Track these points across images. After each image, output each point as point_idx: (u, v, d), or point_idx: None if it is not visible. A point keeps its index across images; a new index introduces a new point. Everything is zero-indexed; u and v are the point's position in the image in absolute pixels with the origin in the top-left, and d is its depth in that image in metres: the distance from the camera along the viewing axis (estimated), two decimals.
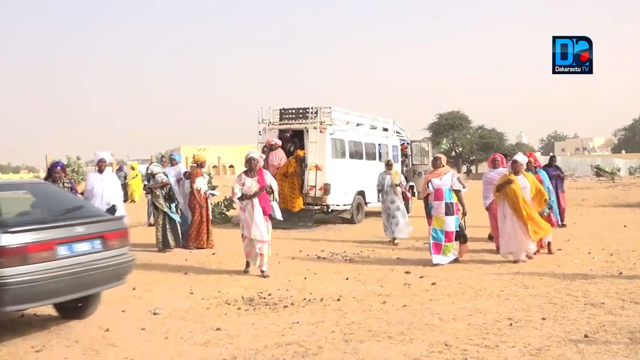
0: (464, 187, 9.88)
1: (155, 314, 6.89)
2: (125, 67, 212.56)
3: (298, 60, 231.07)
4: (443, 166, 10.00)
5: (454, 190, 9.74)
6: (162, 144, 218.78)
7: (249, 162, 9.26)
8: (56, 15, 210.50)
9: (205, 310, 7.02)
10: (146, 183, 12.28)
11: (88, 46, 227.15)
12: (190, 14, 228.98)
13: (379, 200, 16.44)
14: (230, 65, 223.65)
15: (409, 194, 12.45)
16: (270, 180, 9.34)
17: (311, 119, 15.82)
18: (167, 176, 12.09)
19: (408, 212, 20.21)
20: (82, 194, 10.16)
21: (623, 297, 7.13)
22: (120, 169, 29.44)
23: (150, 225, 17.77)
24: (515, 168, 9.80)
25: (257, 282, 8.45)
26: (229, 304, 7.30)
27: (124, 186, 27.52)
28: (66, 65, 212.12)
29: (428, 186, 9.85)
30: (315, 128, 15.53)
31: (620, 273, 8.64)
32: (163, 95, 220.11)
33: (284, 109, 16.62)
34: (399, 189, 12.61)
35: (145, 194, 13.10)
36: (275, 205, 9.35)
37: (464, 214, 9.89)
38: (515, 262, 9.55)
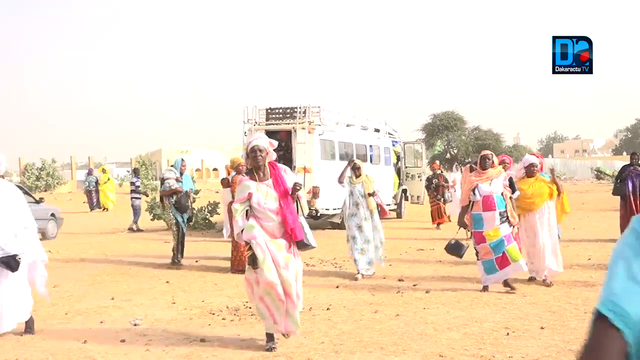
0: (514, 192, 8.14)
1: (135, 324, 6.65)
2: (103, 66, 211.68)
3: (286, 57, 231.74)
4: (493, 167, 8.00)
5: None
6: (142, 145, 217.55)
7: (253, 154, 5.60)
8: (26, 12, 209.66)
9: (188, 321, 6.80)
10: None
11: (64, 42, 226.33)
12: (171, 11, 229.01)
13: (341, 217, 11.89)
14: (214, 63, 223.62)
15: (386, 208, 9.45)
16: (293, 179, 5.80)
17: (299, 118, 15.52)
18: (180, 183, 10.98)
19: (401, 217, 20.18)
20: None
21: None
22: (90, 173, 26.65)
23: (132, 230, 17.48)
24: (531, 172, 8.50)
25: (242, 291, 8.17)
26: (213, 314, 7.08)
27: (95, 192, 26.11)
28: (39, 61, 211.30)
29: (474, 193, 7.86)
30: (303, 128, 15.23)
31: None
32: (143, 94, 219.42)
33: (270, 108, 16.29)
34: (372, 201, 9.26)
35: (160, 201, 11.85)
36: (304, 224, 5.82)
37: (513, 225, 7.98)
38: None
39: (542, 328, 6.10)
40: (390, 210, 19.27)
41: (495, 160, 8.04)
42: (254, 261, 5.48)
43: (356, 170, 9.33)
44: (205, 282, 9.07)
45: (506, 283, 7.92)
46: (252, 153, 5.62)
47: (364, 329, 6.26)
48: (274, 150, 5.79)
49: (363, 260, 9.09)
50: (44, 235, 16.67)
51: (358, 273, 9.09)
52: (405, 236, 14.56)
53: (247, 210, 5.63)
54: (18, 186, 19.04)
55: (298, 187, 5.65)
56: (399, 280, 8.83)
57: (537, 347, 5.51)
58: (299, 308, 5.77)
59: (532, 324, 6.26)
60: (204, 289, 8.56)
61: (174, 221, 10.79)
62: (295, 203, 5.73)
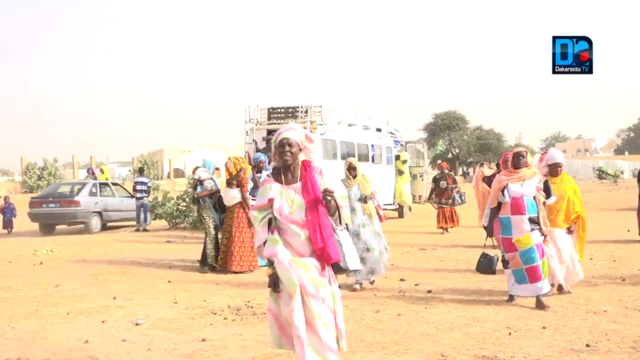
0: (549, 196, 7.20)
1: (137, 324, 6.64)
2: (106, 66, 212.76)
3: (288, 57, 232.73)
4: (527, 166, 7.14)
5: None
6: (144, 145, 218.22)
7: (281, 149, 4.29)
8: (28, 11, 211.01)
9: (190, 320, 6.79)
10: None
11: (67, 42, 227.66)
12: (174, 12, 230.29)
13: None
14: (216, 62, 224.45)
15: (381, 212, 8.58)
16: (327, 184, 4.38)
17: (301, 118, 15.55)
18: (215, 183, 10.65)
19: (402, 216, 20.09)
20: None
21: (626, 304, 6.93)
22: (92, 173, 27.65)
23: (138, 230, 17.52)
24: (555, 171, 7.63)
25: (244, 291, 8.20)
26: (215, 313, 7.06)
27: None
28: (42, 61, 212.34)
29: (503, 194, 7.07)
30: (305, 128, 15.22)
31: (623, 280, 8.43)
32: (145, 94, 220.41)
33: (272, 107, 16.34)
34: (371, 204, 8.31)
35: (193, 203, 11.42)
36: (345, 239, 4.46)
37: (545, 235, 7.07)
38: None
39: (544, 328, 6.07)
40: (391, 210, 19.26)
41: (530, 158, 7.16)
42: (275, 283, 4.27)
43: (351, 170, 8.32)
44: (206, 282, 9.05)
45: (539, 302, 6.94)
46: (280, 148, 4.28)
47: (365, 329, 6.23)
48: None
49: (363, 269, 7.97)
50: None
51: (356, 283, 8.28)
52: (407, 236, 14.54)
53: (270, 220, 4.35)
54: (114, 183, 20.92)
55: (329, 195, 4.20)
56: (401, 280, 8.78)
57: (539, 346, 5.48)
58: (343, 347, 4.31)
59: (534, 324, 6.23)
60: (205, 289, 8.54)
61: (212, 225, 10.33)
62: (337, 214, 4.42)
